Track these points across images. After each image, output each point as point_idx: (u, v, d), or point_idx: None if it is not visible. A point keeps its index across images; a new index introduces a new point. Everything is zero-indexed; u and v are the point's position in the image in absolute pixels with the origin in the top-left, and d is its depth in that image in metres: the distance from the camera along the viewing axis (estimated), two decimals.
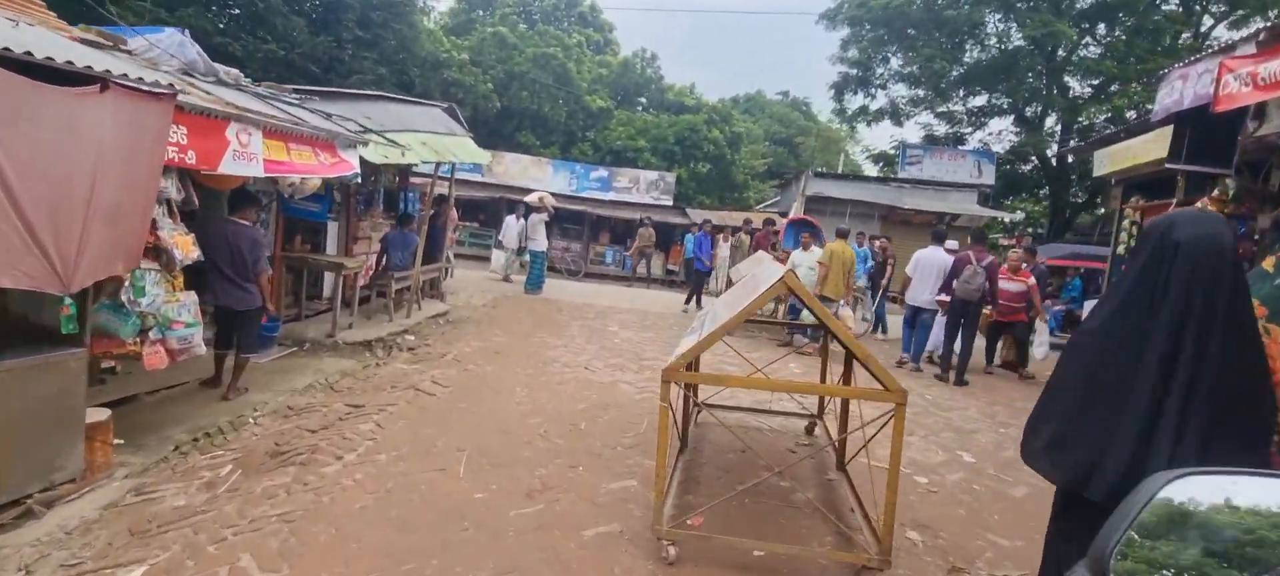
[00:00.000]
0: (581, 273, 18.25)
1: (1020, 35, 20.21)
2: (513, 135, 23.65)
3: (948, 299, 7.62)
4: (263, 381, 5.42)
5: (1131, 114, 17.29)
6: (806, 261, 9.07)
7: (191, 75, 5.06)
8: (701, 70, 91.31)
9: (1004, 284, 7.65)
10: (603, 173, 21.22)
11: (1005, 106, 23.02)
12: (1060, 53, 20.43)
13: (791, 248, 10.16)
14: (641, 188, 21.09)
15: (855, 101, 22.72)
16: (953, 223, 18.54)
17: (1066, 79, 21.34)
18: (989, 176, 19.27)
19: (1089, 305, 8.43)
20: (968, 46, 21.59)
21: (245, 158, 4.60)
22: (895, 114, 23.13)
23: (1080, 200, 22.98)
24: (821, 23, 21.52)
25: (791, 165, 34.66)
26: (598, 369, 6.84)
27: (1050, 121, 22.87)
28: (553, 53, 23.93)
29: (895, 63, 20.78)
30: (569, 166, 21.37)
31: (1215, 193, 5.81)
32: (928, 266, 8.06)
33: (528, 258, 12.81)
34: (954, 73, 21.28)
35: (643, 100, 28.29)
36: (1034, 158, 23.02)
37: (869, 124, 22.72)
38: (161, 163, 3.51)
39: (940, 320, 7.96)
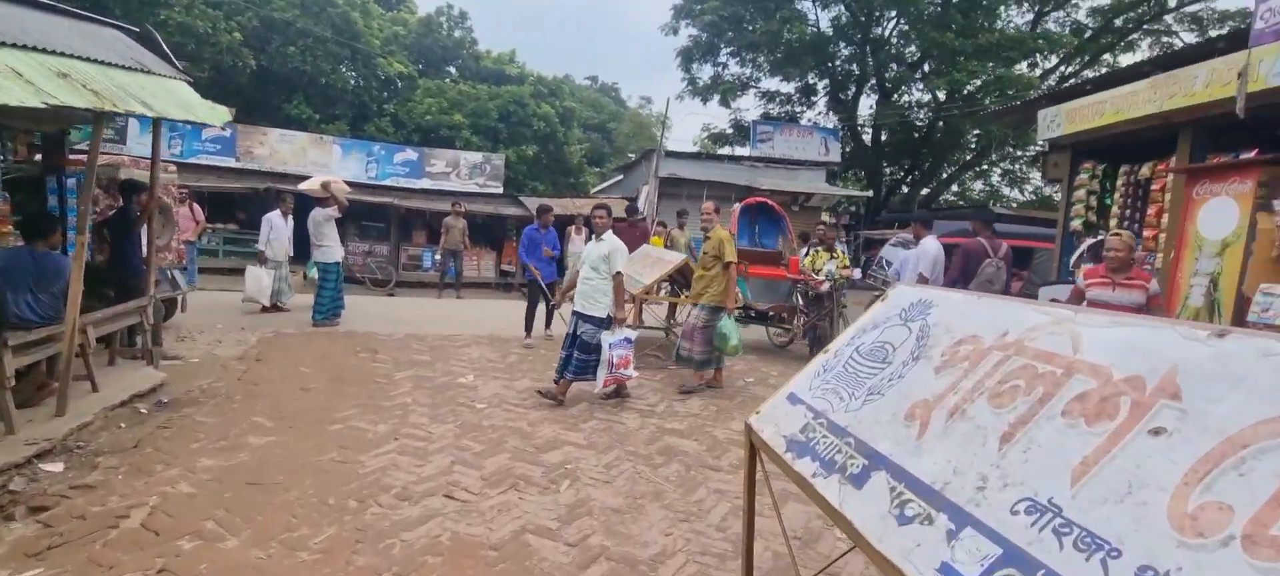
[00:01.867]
0: (391, 284, 14.02)
1: (829, 12, 20.10)
2: (279, 106, 18.12)
3: None
4: None
5: (972, 86, 17.80)
6: (592, 255, 5.32)
7: None
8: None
9: (1100, 293, 4.06)
10: (411, 155, 16.99)
11: (820, 88, 23.25)
12: (877, 30, 20.83)
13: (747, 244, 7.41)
14: (463, 172, 17.31)
15: (704, 72, 21.12)
16: (806, 203, 17.86)
17: (882, 58, 21.94)
18: (835, 154, 18.96)
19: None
20: (784, 27, 21.18)
21: None
22: (727, 92, 22.09)
23: (898, 177, 24.21)
24: None
25: (606, 151, 32.92)
26: (473, 493, 3.63)
27: (865, 103, 23.64)
28: None
29: (733, 34, 19.47)
30: (365, 147, 16.77)
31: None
32: (928, 263, 6.00)
33: (315, 273, 8.76)
34: (776, 53, 20.71)
35: (453, 69, 23.86)
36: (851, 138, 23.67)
37: (722, 97, 21.28)
38: None
39: None
